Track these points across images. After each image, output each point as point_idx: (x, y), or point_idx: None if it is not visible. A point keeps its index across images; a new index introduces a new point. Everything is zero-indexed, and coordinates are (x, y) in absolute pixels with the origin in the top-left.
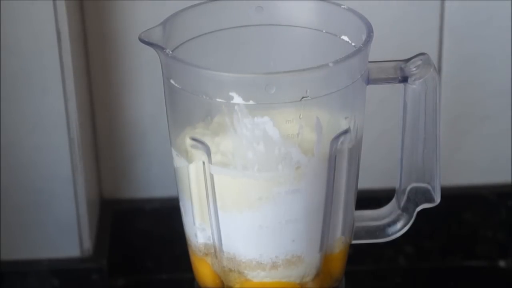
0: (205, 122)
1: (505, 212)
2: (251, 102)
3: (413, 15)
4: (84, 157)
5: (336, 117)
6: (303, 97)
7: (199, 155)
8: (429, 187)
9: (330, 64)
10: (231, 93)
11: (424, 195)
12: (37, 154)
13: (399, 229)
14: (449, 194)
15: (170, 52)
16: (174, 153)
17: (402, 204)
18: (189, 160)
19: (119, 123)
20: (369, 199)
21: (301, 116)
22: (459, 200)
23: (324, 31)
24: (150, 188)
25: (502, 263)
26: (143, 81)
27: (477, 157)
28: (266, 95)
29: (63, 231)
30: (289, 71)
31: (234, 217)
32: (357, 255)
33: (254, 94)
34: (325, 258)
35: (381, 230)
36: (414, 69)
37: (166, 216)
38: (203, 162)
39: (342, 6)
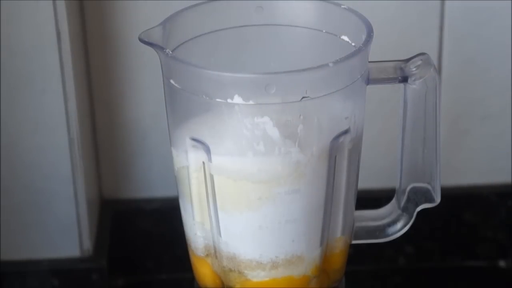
0: (205, 122)
1: (505, 212)
2: (251, 102)
3: (413, 14)
4: (84, 157)
5: (336, 117)
6: (303, 97)
7: (199, 155)
8: (429, 187)
9: (330, 64)
10: (231, 93)
11: (424, 195)
12: (37, 154)
13: (399, 229)
14: (449, 194)
15: (170, 52)
16: (174, 153)
17: (402, 204)
18: (189, 160)
19: (119, 123)
20: (369, 199)
21: (301, 116)
22: (459, 200)
23: (324, 31)
24: (150, 188)
25: (502, 263)
26: (143, 81)
27: (477, 157)
28: (266, 95)
29: (63, 231)
30: (289, 71)
31: (234, 217)
32: (357, 255)
33: (254, 94)
34: (325, 258)
35: (381, 230)
36: (414, 69)
37: (166, 216)
38: (203, 162)
39: (342, 6)
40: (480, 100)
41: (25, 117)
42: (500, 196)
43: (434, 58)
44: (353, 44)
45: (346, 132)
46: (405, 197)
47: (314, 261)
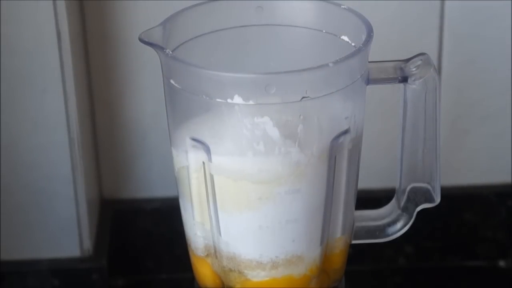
0: (205, 122)
1: (505, 212)
2: (251, 102)
3: (413, 15)
4: (84, 157)
5: (336, 117)
6: (303, 97)
7: (199, 155)
8: (429, 187)
9: (330, 64)
10: (231, 93)
11: (424, 195)
12: (37, 153)
13: (399, 229)
14: (449, 194)
15: (170, 52)
16: (174, 153)
17: (402, 204)
18: (189, 160)
19: (119, 123)
20: (369, 199)
21: (301, 116)
22: (459, 200)
23: (324, 31)
24: (151, 188)
25: (502, 263)
26: (143, 81)
27: (477, 157)
28: (266, 95)
29: (63, 231)
30: (289, 71)
31: (234, 217)
32: (357, 255)
33: (254, 94)
34: (325, 258)
35: (381, 230)
36: (414, 69)
37: (166, 216)
38: (203, 162)
39: (342, 6)
40: (480, 100)
41: (25, 117)
42: (500, 196)
43: (434, 58)
44: (353, 44)
45: (346, 132)
46: (405, 197)
47: (314, 261)
